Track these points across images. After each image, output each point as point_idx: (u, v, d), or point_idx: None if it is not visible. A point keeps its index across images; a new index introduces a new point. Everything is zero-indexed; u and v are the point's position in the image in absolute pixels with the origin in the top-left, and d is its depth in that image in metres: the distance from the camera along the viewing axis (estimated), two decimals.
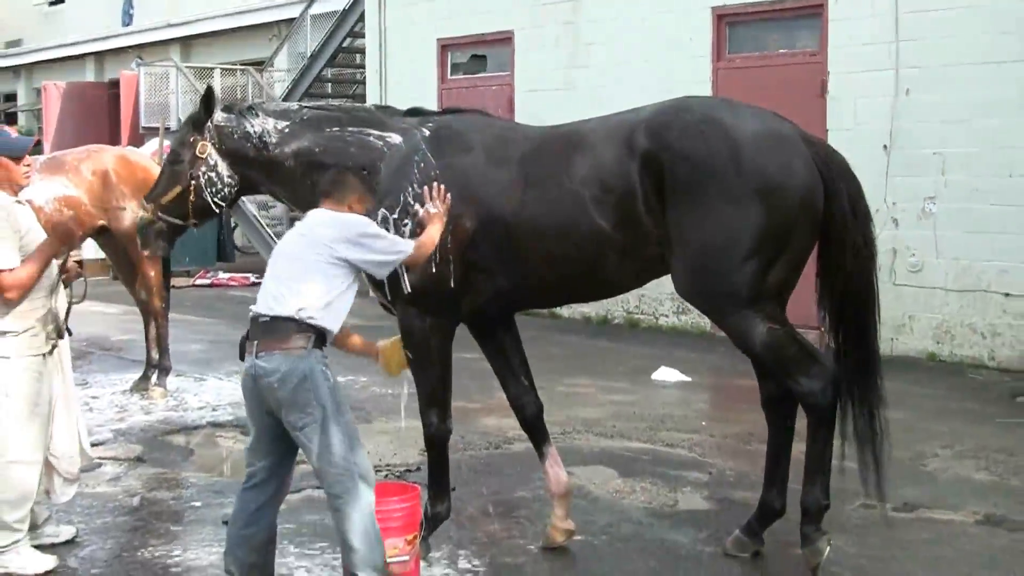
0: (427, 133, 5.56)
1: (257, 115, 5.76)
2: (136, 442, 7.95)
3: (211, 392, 9.65)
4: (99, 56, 28.91)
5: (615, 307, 13.39)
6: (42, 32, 31.58)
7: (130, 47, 26.76)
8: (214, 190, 5.76)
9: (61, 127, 24.85)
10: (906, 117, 10.94)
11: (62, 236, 5.79)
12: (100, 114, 25.71)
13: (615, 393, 9.61)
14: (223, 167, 5.74)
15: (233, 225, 20.14)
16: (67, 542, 5.80)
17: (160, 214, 5.84)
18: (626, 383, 10.03)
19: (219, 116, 5.76)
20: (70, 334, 5.78)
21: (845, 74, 11.37)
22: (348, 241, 4.74)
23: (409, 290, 5.30)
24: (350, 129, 5.65)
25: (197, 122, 5.77)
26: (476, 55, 15.63)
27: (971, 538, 5.92)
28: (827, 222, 5.16)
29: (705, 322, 12.01)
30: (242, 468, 5.23)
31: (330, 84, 20.54)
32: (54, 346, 5.58)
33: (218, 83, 19.42)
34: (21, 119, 31.09)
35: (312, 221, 4.89)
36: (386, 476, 6.76)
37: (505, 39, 14.78)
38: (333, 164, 5.53)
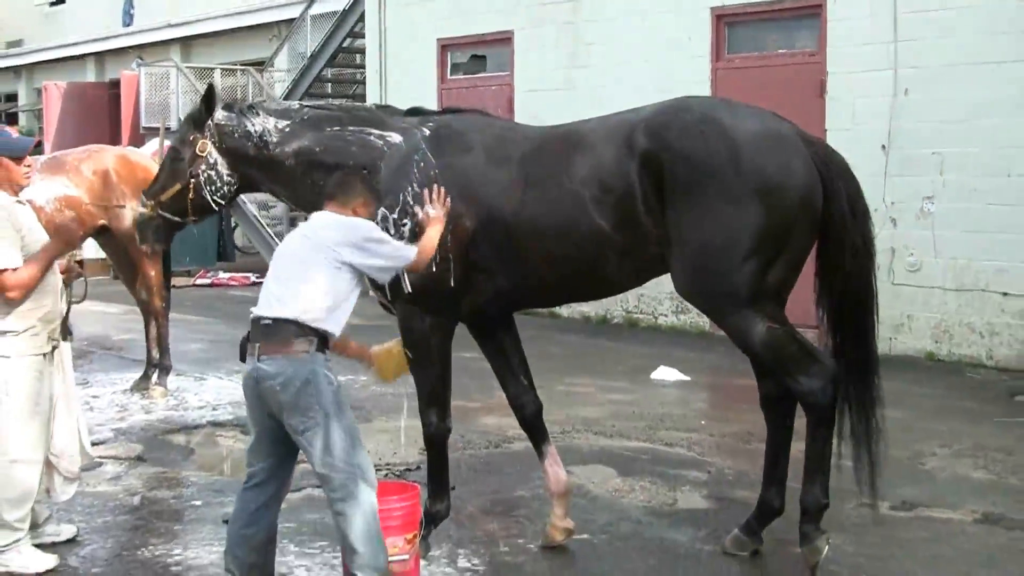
0: (427, 133, 5.56)
1: (258, 114, 5.77)
2: (137, 441, 7.96)
3: (211, 391, 9.66)
4: (100, 56, 28.92)
5: (614, 307, 13.41)
6: (43, 32, 31.60)
7: (131, 47, 26.77)
8: (213, 188, 5.78)
9: (62, 127, 24.85)
10: (904, 117, 10.96)
11: (65, 239, 5.80)
12: (101, 114, 25.72)
13: (614, 392, 9.62)
14: (223, 166, 5.76)
15: (233, 225, 20.16)
16: (68, 541, 5.81)
17: (159, 211, 5.86)
18: (625, 382, 10.04)
19: (220, 115, 5.77)
20: (70, 334, 5.79)
21: (844, 74, 11.39)
22: (353, 245, 4.73)
23: (409, 290, 5.31)
24: (351, 128, 5.66)
25: (198, 120, 5.79)
26: (476, 55, 15.64)
27: (969, 537, 5.93)
28: (826, 222, 5.18)
29: (704, 322, 12.03)
30: (242, 467, 5.25)
31: (330, 84, 20.56)
32: (55, 346, 5.60)
33: (218, 83, 19.40)
34: (22, 119, 31.09)
35: (316, 223, 4.88)
36: (386, 475, 6.78)
37: (505, 39, 14.79)
38: (334, 163, 5.55)
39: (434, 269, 5.28)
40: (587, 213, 5.17)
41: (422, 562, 5.29)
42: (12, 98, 33.87)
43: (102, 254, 10.54)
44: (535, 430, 5.84)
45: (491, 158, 5.43)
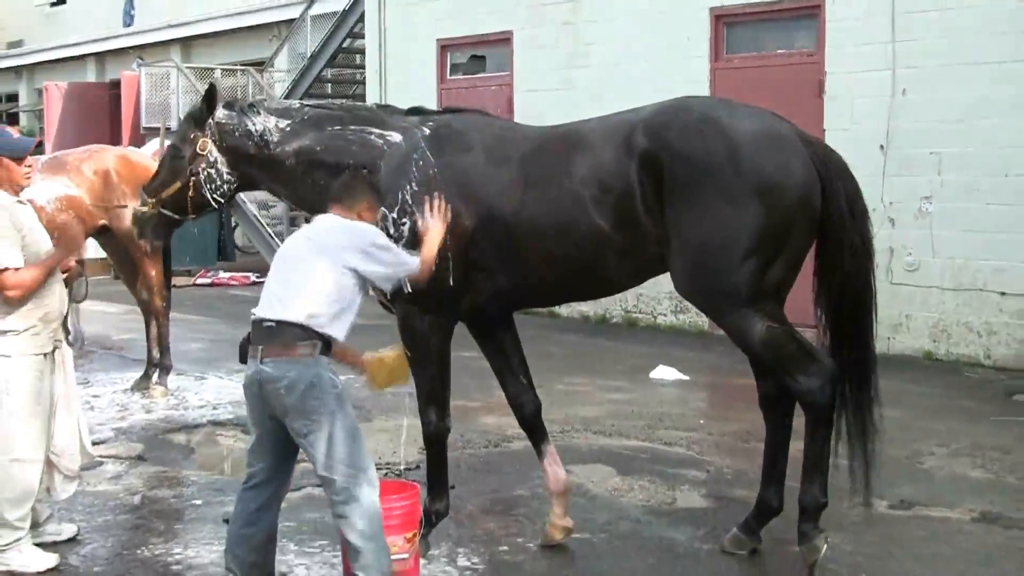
0: (427, 132, 5.57)
1: (259, 113, 5.77)
2: (137, 440, 7.98)
3: (212, 391, 9.67)
4: (100, 57, 28.92)
5: (613, 306, 13.42)
6: (43, 33, 31.60)
7: (131, 48, 26.76)
8: (213, 186, 5.80)
9: (62, 127, 24.86)
10: (903, 117, 10.97)
11: (68, 246, 5.80)
12: (101, 114, 25.72)
13: (613, 392, 9.63)
14: (223, 164, 5.77)
15: (234, 225, 20.17)
16: (69, 540, 5.82)
17: (159, 208, 5.87)
18: (624, 382, 10.05)
19: (220, 113, 5.78)
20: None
21: (842, 74, 11.40)
22: (359, 250, 4.71)
23: (409, 289, 5.31)
24: (351, 128, 5.66)
25: (199, 119, 5.79)
26: (475, 55, 15.65)
27: (967, 535, 5.94)
28: (825, 221, 5.19)
29: (703, 321, 12.05)
30: (242, 466, 5.26)
31: (330, 84, 20.56)
32: (56, 346, 5.62)
33: (218, 83, 19.42)
34: (23, 119, 31.10)
35: (321, 226, 4.87)
36: (386, 474, 6.78)
37: (504, 39, 14.81)
38: (334, 162, 5.57)
39: (433, 268, 5.30)
40: (587, 213, 5.18)
41: (422, 561, 5.30)
42: (13, 98, 33.88)
43: (103, 254, 10.54)
44: (534, 429, 5.85)
45: (491, 158, 5.44)
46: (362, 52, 18.35)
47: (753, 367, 5.51)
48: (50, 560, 5.49)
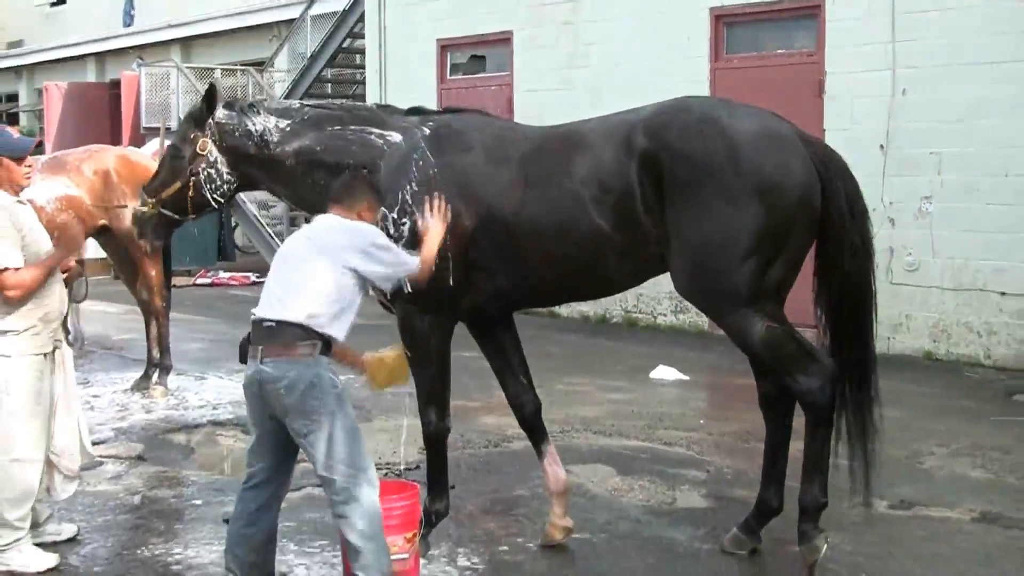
0: (427, 132, 5.58)
1: (259, 113, 5.77)
2: (137, 440, 7.98)
3: (212, 391, 9.68)
4: (100, 57, 28.93)
5: (613, 306, 13.43)
6: (43, 33, 31.62)
7: (131, 48, 26.78)
8: (213, 186, 5.80)
9: (62, 127, 24.87)
10: (902, 117, 10.98)
11: (68, 246, 5.80)
12: (101, 114, 25.74)
13: (613, 392, 9.64)
14: (223, 164, 5.77)
15: (234, 225, 20.18)
16: (69, 540, 5.82)
17: (159, 208, 5.87)
18: (624, 382, 10.05)
19: (221, 113, 5.78)
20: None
21: (842, 74, 11.41)
22: (359, 250, 4.70)
23: (409, 289, 5.32)
24: (351, 128, 5.66)
25: (199, 119, 5.79)
26: (475, 55, 15.66)
27: (967, 535, 5.95)
28: (825, 221, 5.19)
29: (703, 321, 12.06)
30: (242, 466, 5.26)
31: (330, 84, 20.57)
32: (56, 346, 5.62)
33: (218, 83, 19.43)
34: (23, 119, 31.12)
35: (321, 226, 4.87)
36: (386, 474, 6.79)
37: (504, 39, 14.81)
38: (334, 162, 5.57)
39: (433, 268, 5.30)
40: (587, 213, 5.19)
41: (422, 561, 5.30)
42: (13, 98, 33.90)
43: (103, 254, 10.55)
44: (534, 429, 5.85)
45: (491, 158, 5.44)
46: (362, 52, 18.37)
47: (753, 367, 5.52)
48: (50, 560, 5.49)
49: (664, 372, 10.26)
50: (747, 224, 4.98)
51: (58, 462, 5.73)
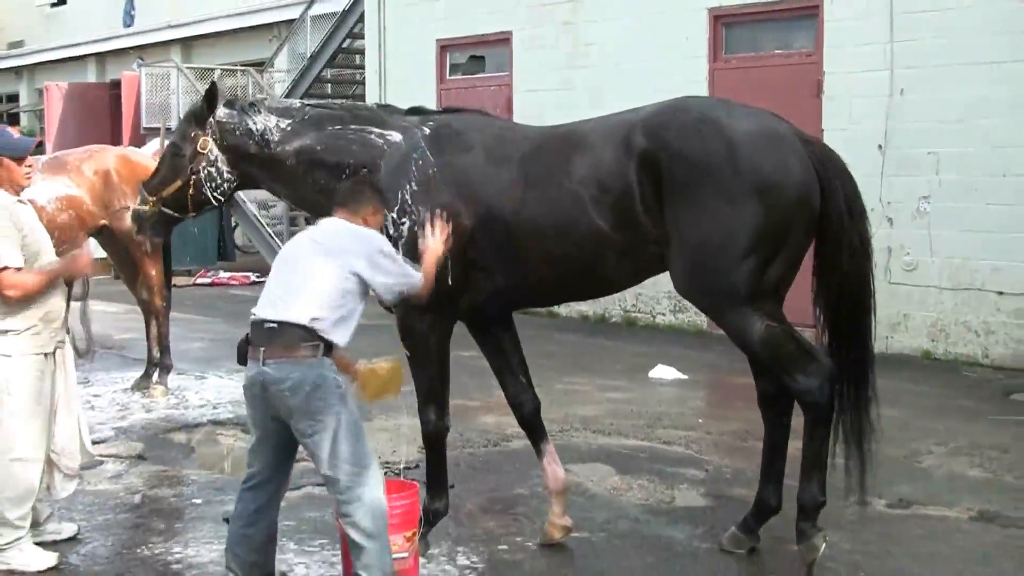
0: (427, 132, 5.59)
1: (259, 112, 5.77)
2: (137, 440, 7.99)
3: (212, 390, 9.69)
4: (100, 57, 28.95)
5: (612, 306, 13.44)
6: (44, 33, 31.63)
7: (131, 48, 26.80)
8: (213, 185, 5.80)
9: (63, 127, 24.88)
10: (901, 117, 10.99)
11: (75, 266, 5.77)
12: (102, 114, 25.74)
13: (612, 391, 9.66)
14: (223, 162, 5.77)
15: (234, 225, 20.20)
16: (69, 539, 5.83)
17: (158, 206, 5.88)
18: (623, 381, 10.07)
19: (222, 112, 5.78)
20: (68, 332, 5.82)
21: (840, 74, 11.42)
22: (365, 256, 4.69)
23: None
24: (352, 127, 5.67)
25: (199, 117, 5.80)
26: (475, 56, 15.67)
27: (965, 534, 5.96)
28: (823, 220, 5.20)
29: (701, 320, 12.08)
30: (242, 465, 5.27)
31: (330, 84, 20.57)
32: (58, 347, 5.62)
33: (219, 84, 19.43)
34: (23, 120, 31.14)
35: (328, 229, 4.86)
36: (385, 473, 6.77)
37: (503, 40, 14.83)
38: (335, 162, 5.59)
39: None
40: (586, 213, 5.20)
41: (421, 560, 5.31)
42: (13, 98, 33.91)
43: (103, 253, 10.55)
44: (534, 428, 5.86)
45: (491, 157, 5.45)
46: (362, 52, 18.37)
47: (752, 366, 5.53)
48: (50, 559, 5.50)
49: (663, 371, 10.28)
50: (746, 223, 5.00)
51: (58, 461, 5.74)
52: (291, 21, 20.76)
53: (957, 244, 10.72)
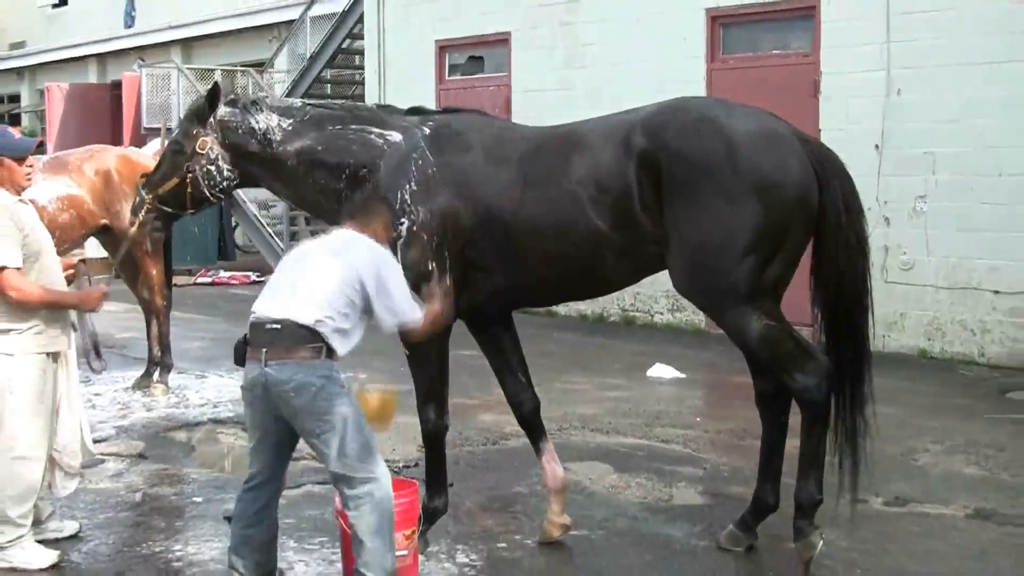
0: (427, 132, 5.60)
1: (261, 111, 5.78)
2: (138, 438, 8.00)
3: (212, 389, 9.71)
4: (101, 58, 28.96)
5: (611, 305, 13.46)
6: (45, 34, 31.64)
7: (132, 49, 26.84)
8: (213, 183, 5.82)
9: (64, 128, 24.89)
10: (897, 117, 11.01)
11: (83, 299, 5.78)
12: (102, 115, 25.76)
13: (611, 390, 9.67)
14: (224, 160, 5.78)
15: (234, 224, 20.22)
16: (70, 537, 5.84)
17: (157, 203, 5.90)
18: (622, 380, 10.09)
19: (223, 110, 5.79)
20: (75, 330, 5.84)
21: (837, 74, 11.44)
22: (374, 268, 4.66)
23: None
24: (352, 127, 5.68)
25: (200, 115, 5.81)
26: (473, 56, 15.69)
27: (961, 532, 5.98)
28: (821, 219, 5.22)
29: (699, 319, 12.11)
30: (243, 463, 5.30)
31: (329, 85, 20.58)
32: (60, 348, 5.64)
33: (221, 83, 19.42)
34: (25, 120, 31.16)
35: (345, 237, 4.84)
36: None
37: (502, 40, 14.84)
38: (335, 163, 5.60)
39: (431, 267, 5.35)
40: (585, 213, 5.22)
41: (420, 558, 5.33)
42: (15, 99, 33.92)
43: (104, 252, 10.58)
44: (533, 427, 5.88)
45: (490, 157, 5.47)
46: (361, 53, 18.38)
47: (750, 365, 5.55)
48: (52, 557, 5.51)
49: (661, 370, 10.29)
50: (745, 223, 5.02)
51: (60, 459, 5.75)
52: (291, 22, 20.78)
53: (953, 243, 10.75)
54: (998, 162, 10.42)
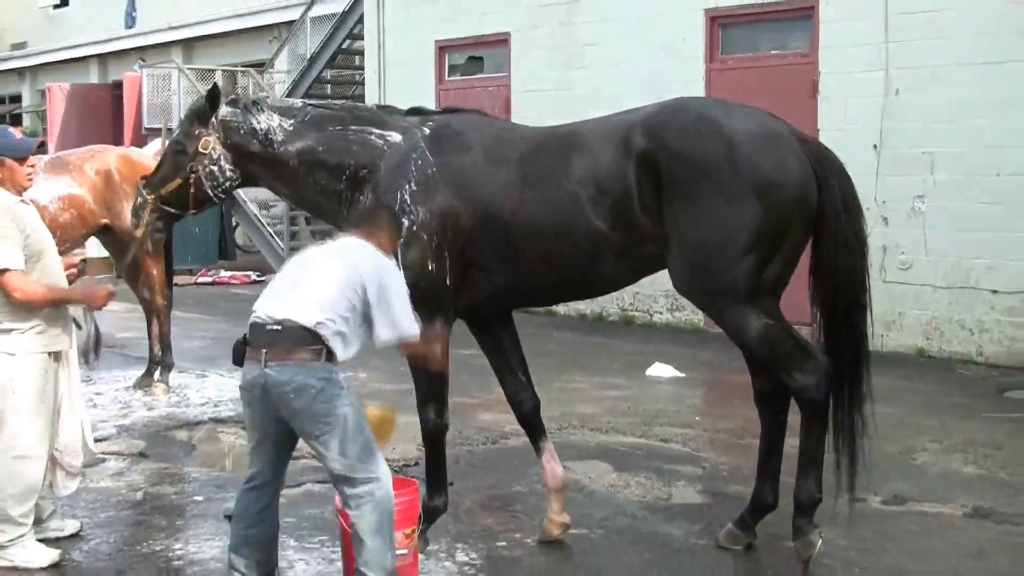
0: (426, 132, 5.61)
1: (262, 111, 5.78)
2: (139, 437, 8.01)
3: (213, 388, 9.72)
4: (102, 58, 28.94)
5: (610, 304, 13.48)
6: (46, 34, 31.63)
7: (133, 49, 26.82)
8: (215, 183, 5.83)
9: (65, 128, 24.90)
10: (896, 117, 11.03)
11: (88, 295, 5.81)
12: (103, 115, 25.77)
13: (610, 389, 9.69)
14: (226, 160, 5.79)
15: (235, 224, 20.24)
16: (71, 536, 5.85)
17: (159, 204, 5.91)
18: (621, 379, 10.10)
19: (225, 110, 5.80)
20: (79, 328, 5.86)
21: (836, 75, 11.46)
22: (377, 274, 4.66)
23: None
24: (352, 128, 5.69)
25: (202, 116, 5.81)
26: (473, 56, 15.70)
27: (959, 530, 5.99)
28: (820, 219, 5.23)
29: (698, 319, 12.12)
30: (243, 463, 5.30)
31: (329, 85, 20.59)
32: (62, 348, 5.66)
33: (220, 84, 19.43)
34: (26, 120, 31.16)
35: (351, 243, 4.84)
36: None
37: (502, 40, 14.86)
38: (336, 163, 5.61)
39: (431, 267, 5.37)
40: (584, 213, 5.23)
41: (420, 556, 5.33)
42: (16, 99, 33.89)
43: (105, 252, 10.59)
44: (532, 426, 5.89)
45: (489, 157, 5.47)
46: (361, 53, 18.40)
47: (749, 364, 5.56)
48: (53, 556, 5.52)
49: (660, 369, 10.31)
50: (745, 222, 5.03)
51: (61, 459, 5.75)
52: (291, 22, 20.78)
53: (951, 243, 10.76)
54: (996, 162, 10.43)
